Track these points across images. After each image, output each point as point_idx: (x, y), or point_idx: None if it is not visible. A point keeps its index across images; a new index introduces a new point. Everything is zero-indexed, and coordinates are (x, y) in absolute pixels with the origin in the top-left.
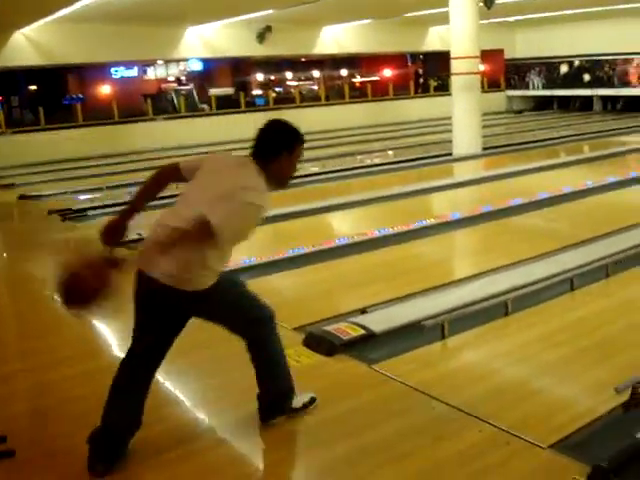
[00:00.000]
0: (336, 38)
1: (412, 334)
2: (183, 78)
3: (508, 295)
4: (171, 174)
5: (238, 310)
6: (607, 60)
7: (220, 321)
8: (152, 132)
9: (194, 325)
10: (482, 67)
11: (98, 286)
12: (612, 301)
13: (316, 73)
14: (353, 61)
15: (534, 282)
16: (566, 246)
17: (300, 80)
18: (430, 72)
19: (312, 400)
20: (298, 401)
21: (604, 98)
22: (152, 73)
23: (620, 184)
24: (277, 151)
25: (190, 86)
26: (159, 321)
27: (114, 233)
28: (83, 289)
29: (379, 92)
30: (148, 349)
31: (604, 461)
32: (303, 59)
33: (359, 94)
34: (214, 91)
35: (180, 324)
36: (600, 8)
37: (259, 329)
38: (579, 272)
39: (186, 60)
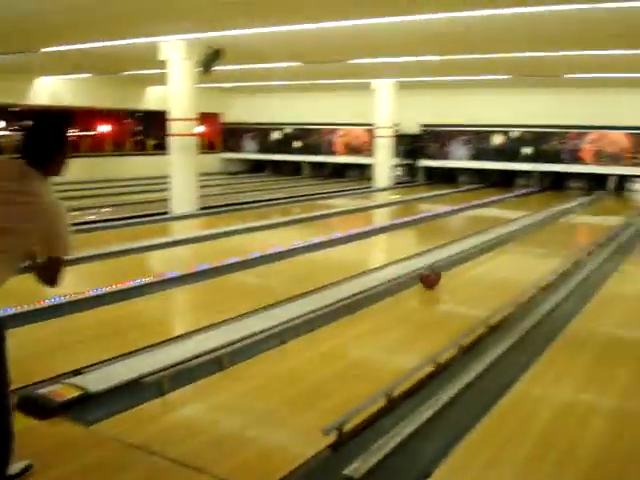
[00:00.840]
0: (51, 90)
1: (131, 392)
2: None
3: (224, 350)
4: None
5: None
6: (316, 129)
7: None
8: None
9: None
10: (199, 129)
11: None
12: (318, 352)
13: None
14: (68, 114)
15: (248, 336)
16: (277, 302)
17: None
18: (149, 130)
19: (28, 467)
20: (14, 468)
21: (312, 164)
22: None
23: (325, 244)
24: (48, 156)
25: None
26: None
27: None
28: None
29: (95, 147)
30: None
31: None
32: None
33: (73, 148)
34: None
35: None
36: (306, 82)
37: None
38: (289, 326)
39: None
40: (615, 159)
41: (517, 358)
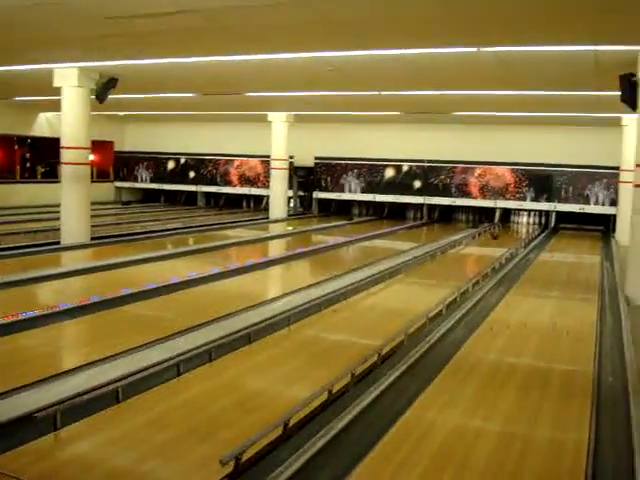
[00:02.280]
0: None
1: (24, 427)
2: None
3: (120, 383)
4: None
5: None
6: (212, 159)
7: None
8: None
9: None
10: (92, 157)
11: None
12: (215, 382)
13: None
14: None
15: (144, 369)
16: (174, 333)
17: None
18: (38, 157)
19: None
20: None
21: (208, 194)
22: None
23: (221, 275)
24: None
25: None
26: None
27: None
28: None
29: None
30: None
31: None
32: None
33: None
34: None
35: None
36: (203, 112)
37: None
38: (186, 357)
39: None
40: (500, 193)
41: (409, 385)
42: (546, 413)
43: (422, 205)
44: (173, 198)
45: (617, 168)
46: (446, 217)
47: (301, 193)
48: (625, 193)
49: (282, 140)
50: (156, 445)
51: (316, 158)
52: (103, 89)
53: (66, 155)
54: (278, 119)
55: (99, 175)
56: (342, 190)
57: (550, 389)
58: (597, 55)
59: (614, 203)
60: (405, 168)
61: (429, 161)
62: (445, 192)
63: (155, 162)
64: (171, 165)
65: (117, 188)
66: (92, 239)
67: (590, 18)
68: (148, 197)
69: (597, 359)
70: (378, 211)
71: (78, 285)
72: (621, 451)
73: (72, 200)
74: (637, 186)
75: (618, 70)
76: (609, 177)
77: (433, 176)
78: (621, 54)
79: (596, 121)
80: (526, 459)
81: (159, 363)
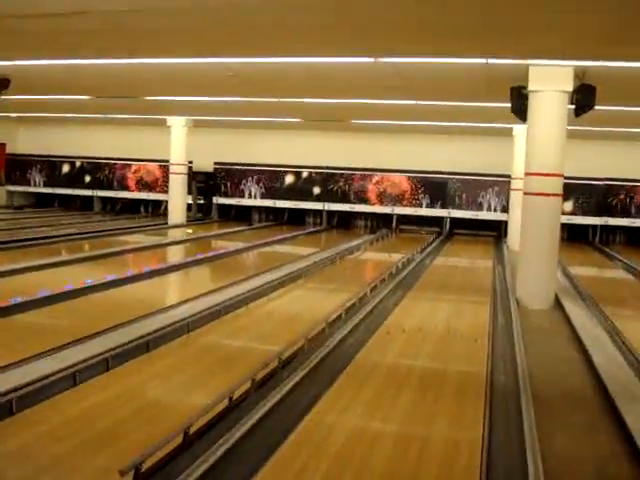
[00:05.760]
0: None
1: None
2: None
3: (12, 395)
4: None
5: None
6: (109, 163)
7: None
8: None
9: None
10: None
11: None
12: (112, 392)
13: None
14: None
15: (38, 380)
16: (69, 342)
17: None
18: None
19: None
20: None
21: (104, 199)
22: None
23: (119, 282)
24: None
25: None
26: None
27: None
28: None
29: None
30: None
31: None
32: None
33: None
34: None
35: None
36: (100, 115)
37: None
38: (83, 366)
39: None
40: (397, 200)
41: (309, 389)
42: (442, 413)
43: (322, 211)
44: (68, 202)
45: (509, 176)
46: (345, 223)
47: (201, 199)
48: (516, 200)
49: (181, 145)
50: (52, 458)
51: (215, 163)
52: None
53: None
54: (177, 123)
55: None
56: (242, 196)
57: (446, 390)
58: (489, 68)
59: (506, 210)
60: (305, 174)
61: (328, 167)
62: (344, 198)
63: (49, 165)
64: (66, 168)
65: (9, 192)
66: None
67: (479, 34)
68: (42, 201)
69: (490, 360)
70: (278, 217)
71: None
72: (513, 448)
73: None
74: (526, 194)
75: (509, 82)
76: (501, 185)
77: (332, 182)
78: (512, 67)
79: (489, 131)
80: (423, 459)
81: (54, 373)
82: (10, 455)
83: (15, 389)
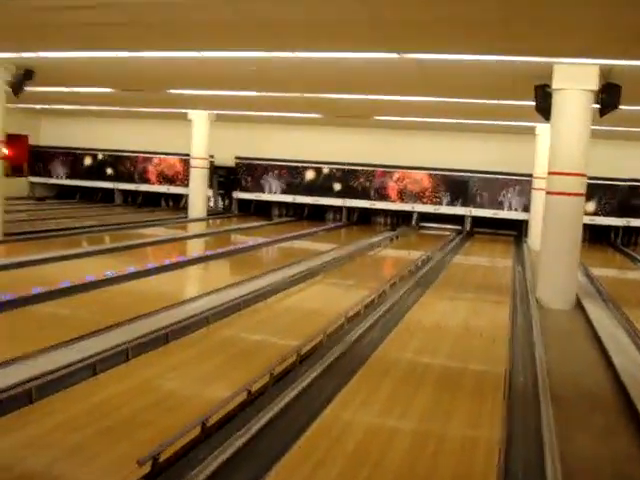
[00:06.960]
0: None
1: None
2: None
3: (32, 383)
4: None
5: None
6: (130, 157)
7: None
8: None
9: None
10: (5, 151)
11: None
12: (131, 383)
13: None
14: None
15: (58, 369)
16: (89, 333)
17: None
18: None
19: None
20: None
21: (125, 192)
22: None
23: (139, 274)
24: None
25: None
26: None
27: None
28: None
29: None
30: None
31: None
32: None
33: None
34: None
35: None
36: (122, 108)
37: None
38: (102, 357)
39: None
40: (417, 197)
41: (327, 384)
42: (459, 412)
43: (342, 207)
44: (89, 195)
45: (530, 175)
46: (365, 219)
47: (221, 193)
48: (537, 200)
49: (202, 139)
50: (70, 446)
51: (237, 158)
52: (19, 81)
53: None
54: (199, 117)
55: (13, 170)
56: (262, 190)
57: (464, 388)
58: (514, 66)
59: (527, 209)
60: (325, 170)
61: (349, 164)
62: (364, 195)
63: (71, 158)
64: (88, 161)
65: (31, 183)
66: (5, 235)
67: (504, 30)
68: (63, 193)
69: (509, 359)
70: (298, 212)
71: None
72: (531, 448)
73: None
74: (549, 193)
75: (534, 81)
76: (522, 184)
77: (353, 179)
78: (536, 65)
79: (511, 129)
80: (440, 457)
81: (74, 363)
82: (29, 444)
83: (35, 378)
